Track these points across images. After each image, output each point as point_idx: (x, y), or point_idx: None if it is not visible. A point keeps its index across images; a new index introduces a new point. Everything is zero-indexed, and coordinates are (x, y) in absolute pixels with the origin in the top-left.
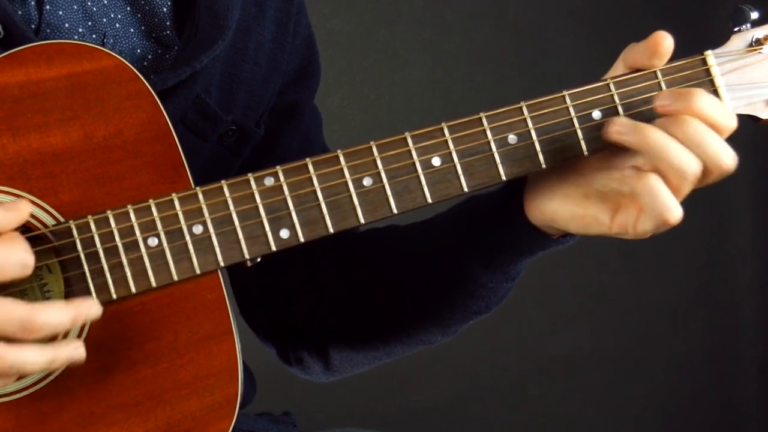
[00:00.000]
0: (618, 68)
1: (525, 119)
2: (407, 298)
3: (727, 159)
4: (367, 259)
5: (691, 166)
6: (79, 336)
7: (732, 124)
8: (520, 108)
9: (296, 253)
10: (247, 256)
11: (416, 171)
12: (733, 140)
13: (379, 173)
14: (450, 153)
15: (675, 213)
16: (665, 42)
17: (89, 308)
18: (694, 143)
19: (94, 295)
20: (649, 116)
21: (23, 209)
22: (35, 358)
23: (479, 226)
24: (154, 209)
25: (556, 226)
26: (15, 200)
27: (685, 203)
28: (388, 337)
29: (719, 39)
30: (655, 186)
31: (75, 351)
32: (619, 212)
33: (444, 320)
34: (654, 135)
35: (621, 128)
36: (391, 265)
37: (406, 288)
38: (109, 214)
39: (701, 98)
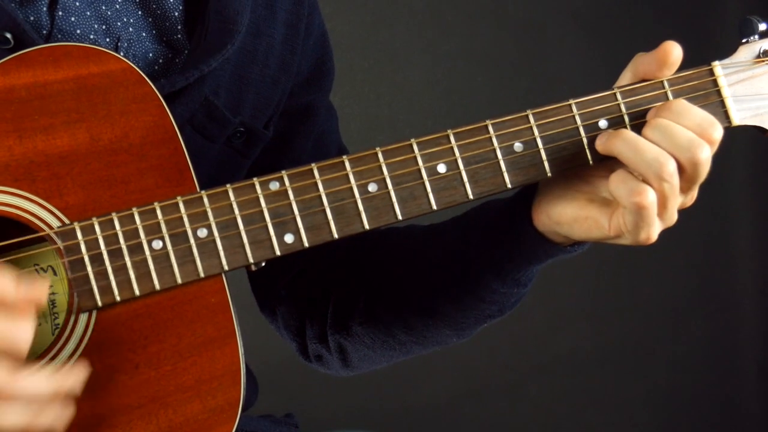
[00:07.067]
0: (626, 77)
1: (531, 127)
2: (420, 301)
3: (700, 150)
4: (382, 262)
5: (663, 162)
6: (81, 339)
7: (710, 129)
8: (527, 116)
9: (320, 253)
10: (251, 260)
11: (422, 178)
12: (732, 141)
13: (384, 179)
14: (456, 160)
15: (643, 193)
16: (674, 52)
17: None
18: (662, 137)
19: (98, 299)
20: None
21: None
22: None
23: (489, 234)
24: (159, 212)
25: (561, 230)
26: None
27: None
28: (403, 339)
29: (727, 49)
30: (621, 172)
31: None
32: (614, 214)
33: (458, 324)
34: (625, 135)
35: (600, 138)
36: (405, 269)
37: (419, 292)
38: (114, 216)
39: (675, 103)
